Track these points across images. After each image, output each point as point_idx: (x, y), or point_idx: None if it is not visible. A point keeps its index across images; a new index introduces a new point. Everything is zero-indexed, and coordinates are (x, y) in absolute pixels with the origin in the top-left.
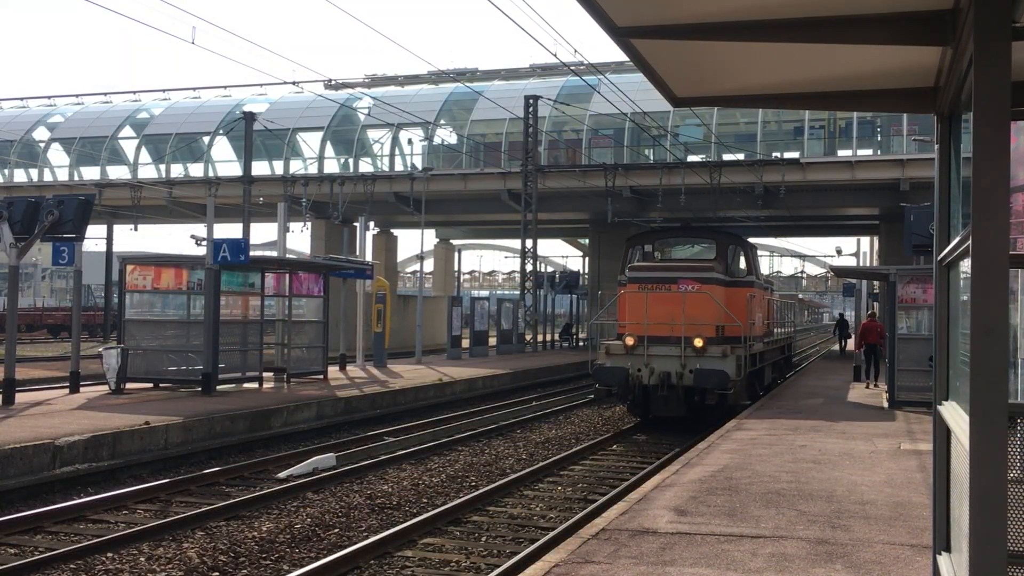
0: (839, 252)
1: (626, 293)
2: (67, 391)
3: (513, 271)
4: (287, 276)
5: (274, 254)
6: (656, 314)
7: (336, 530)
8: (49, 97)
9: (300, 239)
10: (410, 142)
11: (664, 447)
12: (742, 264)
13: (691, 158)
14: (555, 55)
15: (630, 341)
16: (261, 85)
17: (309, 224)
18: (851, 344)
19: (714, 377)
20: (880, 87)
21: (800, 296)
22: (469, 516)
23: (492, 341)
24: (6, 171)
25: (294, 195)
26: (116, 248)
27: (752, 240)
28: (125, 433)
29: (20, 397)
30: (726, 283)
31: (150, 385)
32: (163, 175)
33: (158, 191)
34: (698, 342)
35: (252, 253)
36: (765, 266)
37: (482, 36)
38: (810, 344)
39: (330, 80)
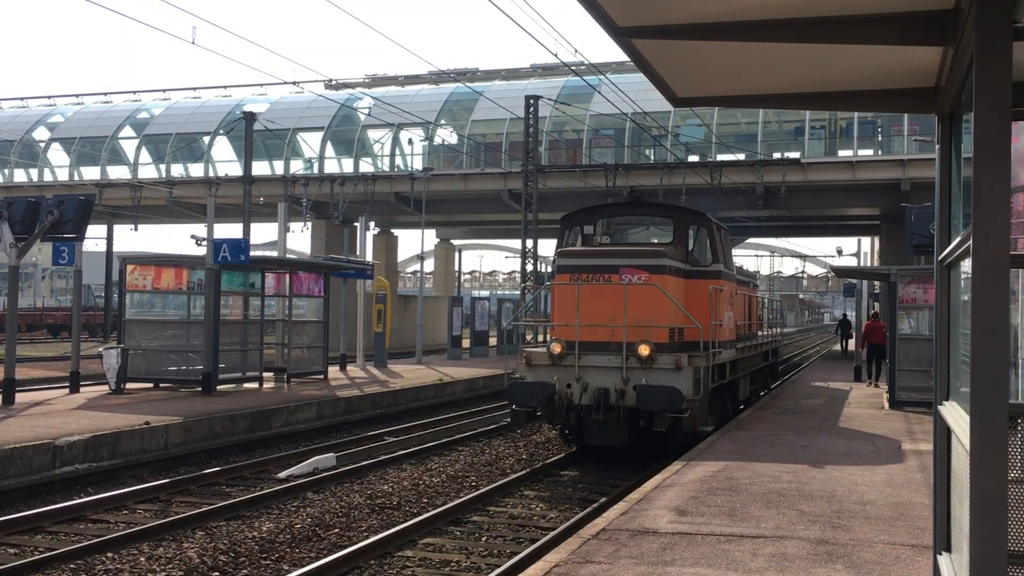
0: (840, 252)
1: (555, 285)
2: (67, 391)
3: (514, 271)
4: (287, 276)
5: (274, 254)
6: (591, 313)
7: (336, 530)
8: (49, 97)
9: (300, 239)
10: (410, 142)
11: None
12: (707, 250)
13: (692, 158)
14: (556, 55)
15: (557, 348)
16: (261, 85)
17: (309, 224)
18: (852, 344)
19: (663, 396)
20: (881, 87)
21: (800, 296)
22: (469, 516)
23: (492, 341)
24: (6, 171)
25: (294, 195)
26: (116, 248)
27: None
28: (125, 433)
29: (20, 397)
30: (683, 273)
31: (150, 385)
32: (163, 175)
33: (158, 191)
34: (644, 350)
35: (252, 253)
36: (766, 266)
37: (482, 36)
38: (811, 344)
39: (330, 80)
